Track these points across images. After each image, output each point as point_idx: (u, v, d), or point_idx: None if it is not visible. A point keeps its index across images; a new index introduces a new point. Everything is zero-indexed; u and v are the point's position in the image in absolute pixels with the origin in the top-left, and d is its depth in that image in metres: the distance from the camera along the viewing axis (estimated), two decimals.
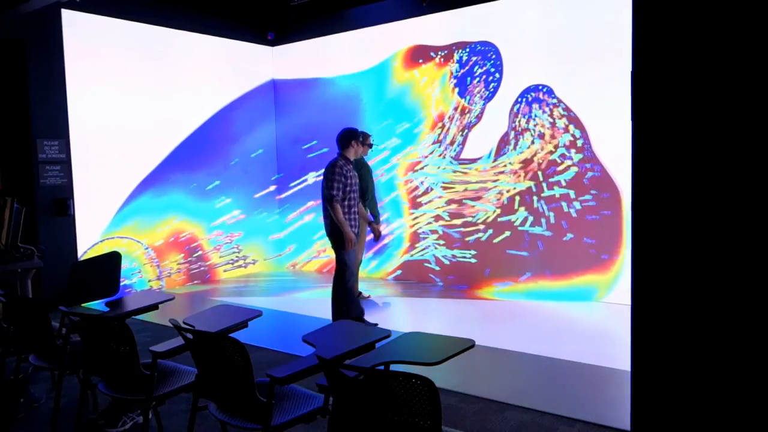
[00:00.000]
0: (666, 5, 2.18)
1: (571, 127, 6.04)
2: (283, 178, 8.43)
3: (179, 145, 7.33)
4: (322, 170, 5.07)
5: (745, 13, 2.02)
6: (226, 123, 7.81)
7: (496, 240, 6.60)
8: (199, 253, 7.60)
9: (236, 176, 7.95)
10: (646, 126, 2.24)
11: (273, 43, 8.21)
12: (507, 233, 6.52)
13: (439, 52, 6.88)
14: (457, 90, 6.79)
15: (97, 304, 4.65)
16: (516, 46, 6.38)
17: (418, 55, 7.03)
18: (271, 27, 8.09)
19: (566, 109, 6.07)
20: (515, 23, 6.35)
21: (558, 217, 6.20)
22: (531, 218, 6.36)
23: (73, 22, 6.31)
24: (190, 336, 2.50)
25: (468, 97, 6.71)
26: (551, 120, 6.16)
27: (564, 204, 6.15)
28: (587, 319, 5.44)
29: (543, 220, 6.28)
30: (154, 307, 3.28)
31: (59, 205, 6.18)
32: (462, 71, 6.73)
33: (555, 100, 6.14)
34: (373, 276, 7.53)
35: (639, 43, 2.24)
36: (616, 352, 4.27)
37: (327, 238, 5.15)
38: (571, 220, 6.11)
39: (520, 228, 6.44)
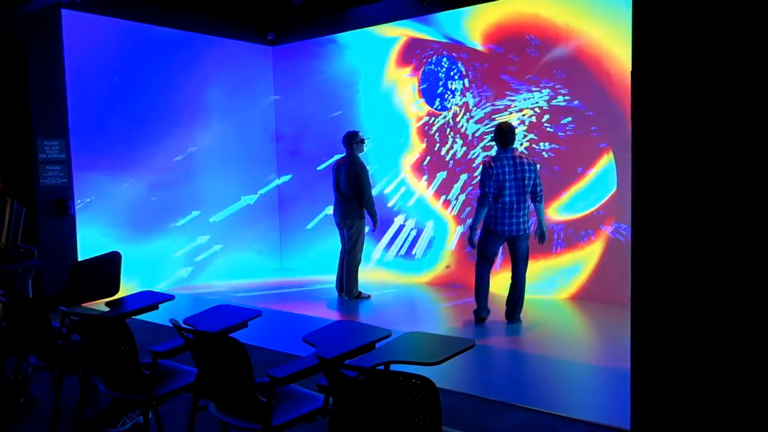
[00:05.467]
0: (666, 5, 2.18)
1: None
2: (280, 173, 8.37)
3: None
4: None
5: (744, 13, 2.02)
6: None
7: None
8: None
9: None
10: (646, 126, 2.24)
11: (273, 43, 8.21)
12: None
13: (427, 50, 6.94)
14: (444, 88, 6.87)
15: (97, 304, 4.64)
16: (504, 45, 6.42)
17: (412, 51, 7.08)
18: (271, 27, 8.09)
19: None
20: (511, 23, 6.35)
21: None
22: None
23: (73, 22, 6.31)
24: (190, 336, 2.51)
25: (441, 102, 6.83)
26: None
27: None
28: (588, 319, 5.44)
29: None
30: (154, 307, 3.29)
31: (59, 205, 6.18)
32: (440, 73, 6.82)
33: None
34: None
35: (639, 43, 2.25)
36: (616, 352, 4.27)
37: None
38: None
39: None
